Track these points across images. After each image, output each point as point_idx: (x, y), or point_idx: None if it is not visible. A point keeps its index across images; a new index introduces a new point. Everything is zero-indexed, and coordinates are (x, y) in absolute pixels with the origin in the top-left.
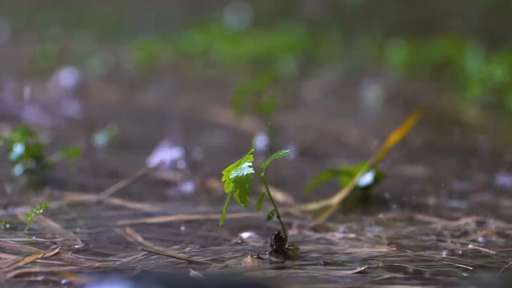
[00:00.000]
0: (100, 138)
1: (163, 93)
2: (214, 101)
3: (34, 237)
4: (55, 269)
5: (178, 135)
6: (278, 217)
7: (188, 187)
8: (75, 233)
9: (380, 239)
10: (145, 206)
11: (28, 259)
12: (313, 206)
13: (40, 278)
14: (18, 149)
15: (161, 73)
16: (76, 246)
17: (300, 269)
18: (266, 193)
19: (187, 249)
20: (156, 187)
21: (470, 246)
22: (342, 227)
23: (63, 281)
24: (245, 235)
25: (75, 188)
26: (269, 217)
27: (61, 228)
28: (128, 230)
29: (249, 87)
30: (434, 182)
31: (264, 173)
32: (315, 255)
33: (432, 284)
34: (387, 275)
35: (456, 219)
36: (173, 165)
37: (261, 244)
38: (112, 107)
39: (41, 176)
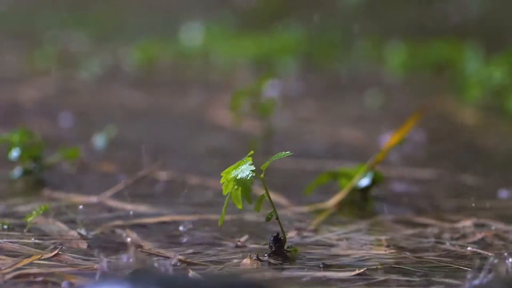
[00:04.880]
0: (99, 140)
1: (163, 94)
2: (213, 102)
3: (33, 239)
4: (54, 270)
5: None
6: (277, 218)
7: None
8: (74, 234)
9: (379, 241)
10: (144, 207)
11: (27, 260)
12: (312, 208)
13: (39, 279)
14: (17, 150)
15: (161, 74)
16: (75, 248)
17: (299, 271)
18: (265, 194)
19: (186, 250)
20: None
21: (469, 248)
22: (340, 229)
23: (64, 283)
24: (243, 236)
25: (74, 189)
26: (268, 219)
27: (60, 230)
28: (128, 231)
29: (248, 88)
30: (432, 184)
31: (264, 175)
32: (313, 257)
33: (431, 285)
34: (386, 277)
35: (455, 221)
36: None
37: (260, 245)
38: (111, 108)
39: (40, 177)
